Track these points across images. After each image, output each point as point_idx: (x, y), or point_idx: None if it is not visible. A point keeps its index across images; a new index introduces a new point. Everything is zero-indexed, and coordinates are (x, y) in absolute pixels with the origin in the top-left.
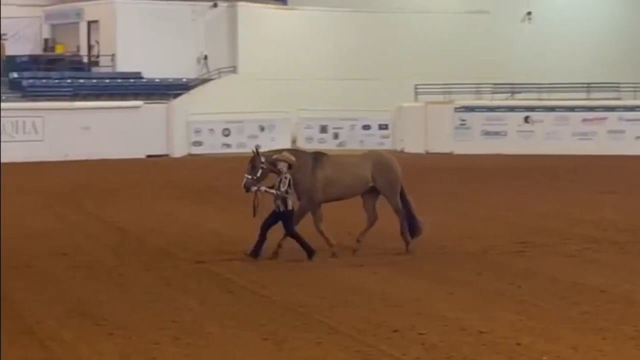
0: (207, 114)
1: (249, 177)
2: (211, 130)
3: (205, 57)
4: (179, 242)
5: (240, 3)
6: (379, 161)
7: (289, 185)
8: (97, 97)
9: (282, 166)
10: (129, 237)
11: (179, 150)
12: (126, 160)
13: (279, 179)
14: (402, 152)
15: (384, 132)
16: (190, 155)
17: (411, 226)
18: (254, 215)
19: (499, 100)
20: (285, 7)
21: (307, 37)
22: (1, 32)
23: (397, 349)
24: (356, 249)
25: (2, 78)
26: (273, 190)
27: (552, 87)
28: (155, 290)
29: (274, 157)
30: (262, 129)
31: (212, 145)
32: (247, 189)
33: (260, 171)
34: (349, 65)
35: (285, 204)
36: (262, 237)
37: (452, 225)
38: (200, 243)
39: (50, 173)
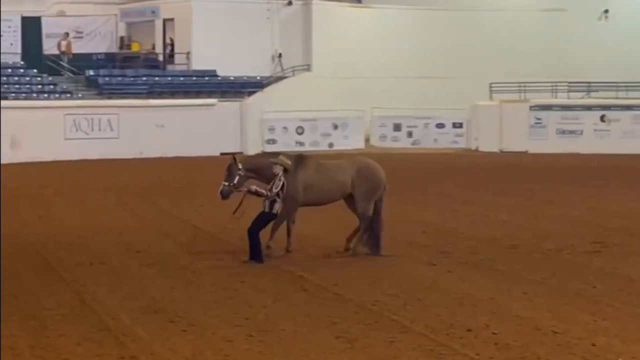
0: (281, 112)
1: (226, 184)
2: (285, 128)
3: (280, 55)
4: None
5: (315, 1)
6: (363, 168)
7: (281, 189)
8: (172, 94)
9: (278, 169)
10: (203, 234)
11: (253, 148)
12: (200, 157)
13: (272, 181)
14: (476, 150)
15: (458, 130)
16: (264, 153)
17: (373, 244)
18: (233, 213)
19: (575, 99)
20: (359, 5)
21: (381, 36)
22: (76, 30)
23: (470, 348)
24: (348, 249)
25: (78, 76)
26: (264, 191)
27: (629, 86)
28: (228, 287)
29: (270, 160)
30: (335, 127)
31: (286, 143)
32: (224, 197)
33: (237, 178)
34: (423, 64)
35: (272, 207)
36: (254, 241)
37: (527, 225)
38: (274, 241)
39: (125, 170)
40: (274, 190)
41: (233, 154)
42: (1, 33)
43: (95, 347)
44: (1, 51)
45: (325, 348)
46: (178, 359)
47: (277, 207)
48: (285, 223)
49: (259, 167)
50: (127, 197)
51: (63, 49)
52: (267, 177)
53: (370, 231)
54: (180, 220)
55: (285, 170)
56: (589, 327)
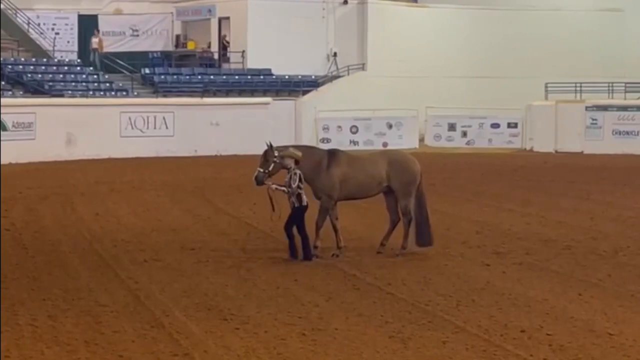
0: (335, 111)
1: (261, 170)
2: (339, 127)
3: (335, 54)
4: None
5: (370, 0)
6: (395, 160)
7: (299, 180)
8: (227, 93)
9: (289, 162)
10: (257, 232)
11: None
12: (255, 156)
13: (288, 176)
14: (531, 150)
15: (513, 130)
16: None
17: (422, 234)
18: (274, 210)
19: (632, 99)
20: (415, 4)
21: (437, 35)
22: (132, 28)
23: (524, 349)
24: (380, 252)
25: (134, 74)
26: (283, 188)
27: None
28: (282, 286)
29: (279, 153)
30: (389, 126)
31: (340, 142)
32: (259, 182)
33: (272, 165)
34: (479, 63)
35: (300, 200)
36: (291, 238)
37: (582, 226)
38: (326, 239)
39: (179, 168)
40: (293, 185)
41: (269, 141)
42: None
43: (150, 343)
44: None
45: (378, 347)
46: (231, 357)
47: (305, 199)
48: (329, 221)
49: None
50: (182, 194)
51: (94, 46)
52: (300, 166)
53: (417, 224)
54: (234, 217)
55: (297, 162)
56: None
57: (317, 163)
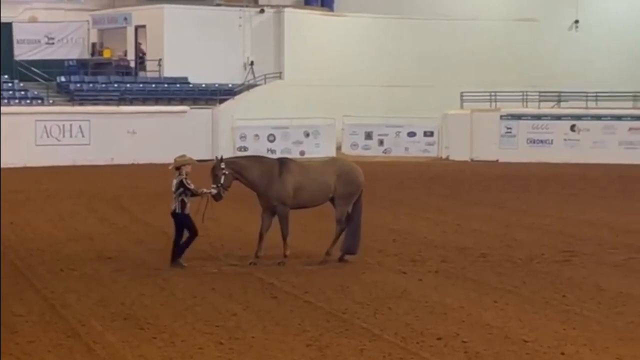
0: (253, 120)
1: (215, 186)
2: (256, 135)
3: (252, 63)
4: (223, 246)
5: (286, 9)
6: (344, 171)
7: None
8: (144, 101)
9: (187, 169)
10: None
11: (225, 155)
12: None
13: (183, 180)
14: (447, 159)
15: (429, 139)
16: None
17: (352, 242)
18: (202, 220)
19: (545, 108)
20: (331, 13)
21: (354, 44)
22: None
23: (441, 356)
24: (325, 261)
25: (49, 82)
26: (203, 190)
27: (599, 96)
28: (199, 294)
29: (176, 158)
30: (307, 134)
31: (257, 151)
32: (219, 198)
33: (223, 177)
34: (395, 72)
35: (183, 207)
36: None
37: (497, 234)
38: (243, 248)
39: (96, 177)
40: (201, 190)
41: (218, 156)
42: None
43: (66, 353)
44: None
45: (295, 356)
46: None
47: (189, 207)
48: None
49: (240, 167)
50: (98, 203)
51: None
52: (247, 178)
53: (348, 232)
54: (151, 226)
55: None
56: (559, 336)
57: (267, 172)
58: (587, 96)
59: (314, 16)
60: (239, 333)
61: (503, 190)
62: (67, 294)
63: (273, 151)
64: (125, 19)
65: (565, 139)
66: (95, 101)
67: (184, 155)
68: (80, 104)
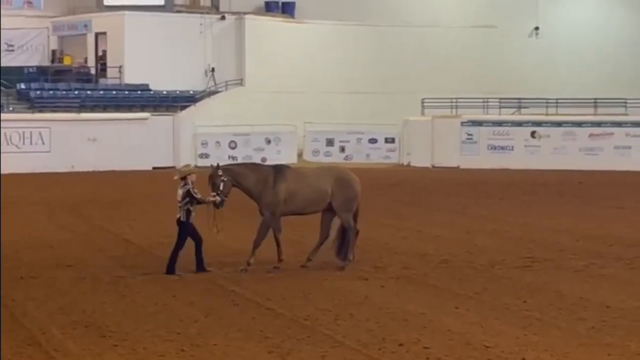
0: (214, 127)
1: (214, 194)
2: (218, 142)
3: (213, 70)
4: (185, 253)
5: (247, 16)
6: (341, 177)
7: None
8: (104, 108)
9: (193, 178)
10: (135, 248)
11: (186, 162)
12: (133, 171)
13: (190, 189)
14: (408, 165)
15: (390, 145)
16: (197, 167)
17: (344, 251)
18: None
19: (506, 114)
20: (292, 20)
21: (315, 51)
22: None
23: None
24: (306, 266)
25: (9, 89)
26: (208, 199)
27: (559, 102)
28: (160, 302)
29: (180, 168)
30: (268, 141)
31: (219, 158)
32: (220, 206)
33: (222, 184)
34: (356, 79)
35: (188, 216)
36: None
37: (459, 240)
38: (205, 255)
39: (56, 184)
40: (208, 198)
41: (214, 164)
42: None
43: None
44: None
45: None
46: None
47: (193, 215)
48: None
49: (236, 174)
50: (59, 211)
51: None
52: (243, 185)
53: (343, 239)
54: (111, 234)
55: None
56: (520, 342)
57: (262, 180)
58: (547, 103)
59: (275, 23)
60: (200, 340)
61: (464, 196)
62: (27, 302)
63: (234, 158)
64: (86, 25)
65: (525, 145)
66: (56, 108)
67: (188, 165)
68: (41, 111)
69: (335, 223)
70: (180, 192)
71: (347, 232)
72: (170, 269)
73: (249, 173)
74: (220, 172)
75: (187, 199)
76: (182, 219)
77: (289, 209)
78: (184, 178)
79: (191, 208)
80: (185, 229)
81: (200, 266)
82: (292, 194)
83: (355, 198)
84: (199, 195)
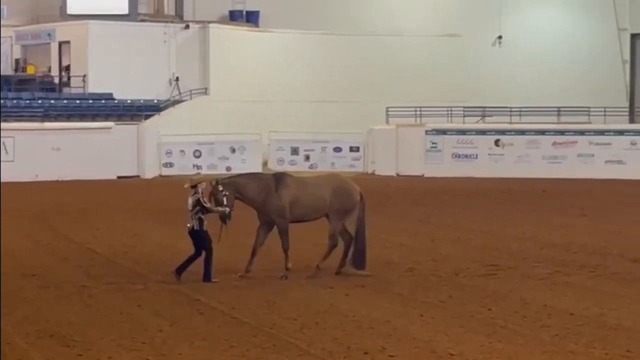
0: (178, 136)
1: (220, 209)
2: (182, 151)
3: (177, 79)
4: (149, 263)
5: (212, 25)
6: (340, 187)
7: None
8: (68, 118)
9: (203, 187)
10: (100, 258)
11: (150, 171)
12: (97, 181)
13: (200, 198)
14: (373, 174)
15: (355, 154)
16: (161, 176)
17: (360, 259)
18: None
19: (470, 123)
20: (256, 29)
21: (279, 60)
22: None
23: None
24: (314, 276)
25: None
26: (217, 208)
27: (523, 111)
28: (125, 311)
29: (191, 177)
30: (233, 150)
31: (183, 167)
32: (228, 219)
33: (225, 198)
34: (321, 88)
35: (201, 224)
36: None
37: (423, 248)
38: (170, 264)
39: (20, 194)
40: (220, 207)
41: (215, 180)
42: None
43: None
44: None
45: None
46: None
47: (206, 223)
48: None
49: (238, 186)
50: (23, 220)
51: None
52: (245, 196)
53: (355, 248)
54: (76, 243)
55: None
56: (484, 349)
57: (264, 188)
58: (511, 111)
59: (239, 32)
60: (165, 349)
61: (428, 205)
62: None
63: (199, 167)
64: (49, 34)
65: (489, 154)
66: (19, 118)
67: (198, 174)
68: (4, 121)
69: (359, 229)
70: (190, 200)
71: (358, 240)
72: (179, 272)
73: (250, 183)
74: (220, 188)
75: (198, 207)
76: (195, 227)
77: (291, 215)
78: (194, 186)
79: (202, 216)
80: (200, 237)
81: (207, 276)
82: (294, 201)
83: (350, 210)
84: (208, 205)
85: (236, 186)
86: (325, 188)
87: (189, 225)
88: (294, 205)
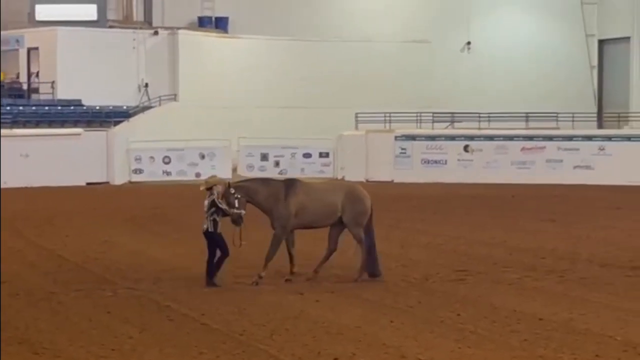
0: (148, 142)
1: (233, 211)
2: (151, 157)
3: (146, 85)
4: (119, 269)
5: (181, 31)
6: (351, 192)
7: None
8: (37, 124)
9: (219, 189)
10: (69, 264)
11: (119, 177)
12: (66, 187)
13: (214, 200)
14: (342, 180)
15: (324, 160)
16: (131, 182)
17: (372, 265)
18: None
19: (439, 129)
20: (226, 35)
21: (248, 66)
22: None
23: None
24: (311, 279)
25: None
26: (233, 210)
27: (492, 117)
28: (94, 318)
29: (207, 179)
30: (202, 156)
31: (153, 173)
32: (239, 223)
33: (236, 201)
34: (291, 94)
35: (216, 226)
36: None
37: (393, 253)
38: (139, 271)
39: None
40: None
41: (227, 182)
42: None
43: None
44: None
45: None
46: None
47: (220, 225)
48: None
49: (248, 190)
50: None
51: None
52: (255, 201)
53: (367, 255)
54: (44, 250)
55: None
56: (454, 355)
57: (273, 194)
58: (479, 117)
59: (208, 38)
60: (135, 356)
61: (398, 210)
62: None
63: (169, 173)
64: (18, 41)
65: (458, 159)
66: None
67: (214, 176)
68: None
69: (368, 236)
70: (206, 202)
71: (371, 248)
72: (210, 278)
73: (260, 188)
74: (232, 190)
75: (213, 209)
76: (209, 229)
77: (300, 222)
78: (210, 189)
79: (217, 218)
80: (214, 239)
81: (210, 275)
82: (303, 208)
83: (365, 213)
84: (223, 206)
85: (247, 190)
86: (336, 195)
87: (204, 226)
88: (302, 211)
